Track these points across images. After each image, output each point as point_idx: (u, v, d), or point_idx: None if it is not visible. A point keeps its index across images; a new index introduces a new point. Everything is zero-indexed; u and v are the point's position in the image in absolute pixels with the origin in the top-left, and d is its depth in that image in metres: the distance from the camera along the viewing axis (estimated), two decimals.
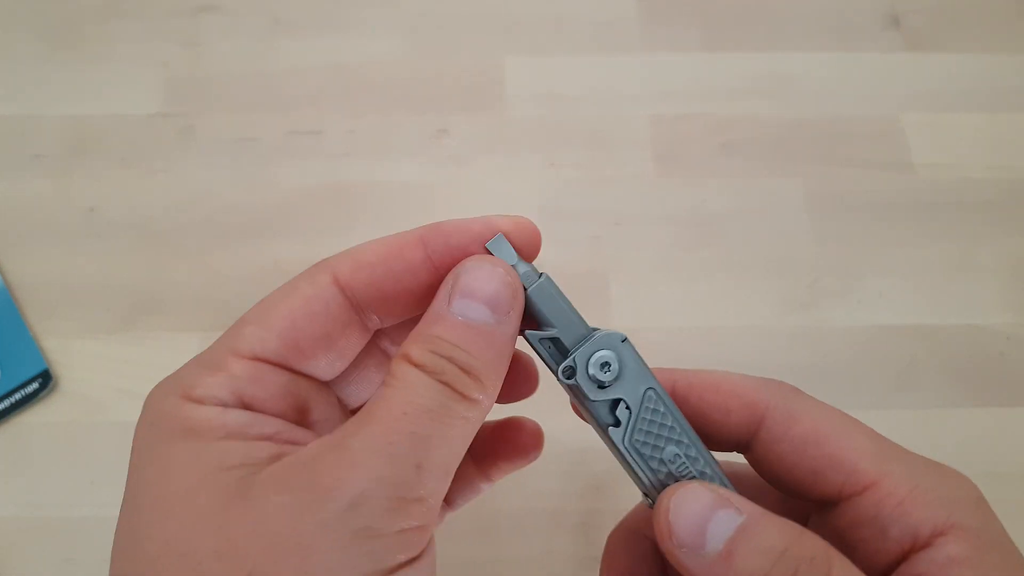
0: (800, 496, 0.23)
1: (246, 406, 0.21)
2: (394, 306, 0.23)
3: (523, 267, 0.22)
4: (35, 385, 0.39)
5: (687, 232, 0.43)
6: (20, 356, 0.39)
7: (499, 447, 0.28)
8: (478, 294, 0.21)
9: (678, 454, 0.22)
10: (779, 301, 0.42)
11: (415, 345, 0.20)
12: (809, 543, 0.20)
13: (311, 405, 0.22)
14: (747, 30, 0.49)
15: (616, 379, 0.22)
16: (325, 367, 0.23)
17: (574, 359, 0.22)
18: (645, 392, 0.22)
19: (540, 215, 0.44)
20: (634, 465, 0.22)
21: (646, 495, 0.23)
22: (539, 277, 0.22)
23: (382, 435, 0.18)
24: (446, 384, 0.20)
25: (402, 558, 0.18)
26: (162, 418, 0.20)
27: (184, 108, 0.46)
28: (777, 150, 0.46)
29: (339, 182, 0.44)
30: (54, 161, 0.44)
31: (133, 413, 0.41)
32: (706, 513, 0.21)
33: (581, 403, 0.23)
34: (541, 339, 0.22)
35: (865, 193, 0.45)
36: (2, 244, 0.42)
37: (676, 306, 0.42)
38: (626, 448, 0.22)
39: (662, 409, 0.22)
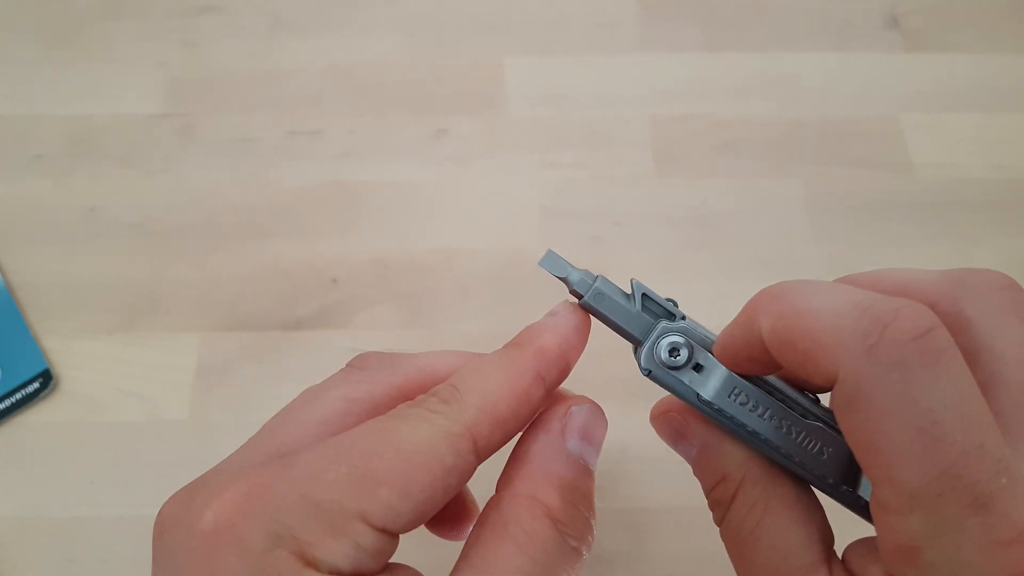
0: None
1: None
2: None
3: (576, 274, 0.21)
4: (35, 385, 0.39)
5: (687, 232, 0.43)
6: (20, 356, 0.39)
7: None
8: (595, 440, 0.20)
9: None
10: None
11: (546, 487, 0.19)
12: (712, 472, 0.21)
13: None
14: (747, 30, 0.49)
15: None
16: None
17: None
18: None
19: (540, 215, 0.44)
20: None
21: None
22: (594, 281, 0.22)
23: None
24: (569, 542, 0.19)
25: None
26: None
27: (184, 108, 0.46)
28: (777, 150, 0.46)
29: (339, 182, 0.44)
30: (54, 161, 0.44)
31: (133, 413, 0.41)
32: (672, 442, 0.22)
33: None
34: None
35: (865, 193, 0.45)
36: (2, 244, 0.42)
37: None
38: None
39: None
